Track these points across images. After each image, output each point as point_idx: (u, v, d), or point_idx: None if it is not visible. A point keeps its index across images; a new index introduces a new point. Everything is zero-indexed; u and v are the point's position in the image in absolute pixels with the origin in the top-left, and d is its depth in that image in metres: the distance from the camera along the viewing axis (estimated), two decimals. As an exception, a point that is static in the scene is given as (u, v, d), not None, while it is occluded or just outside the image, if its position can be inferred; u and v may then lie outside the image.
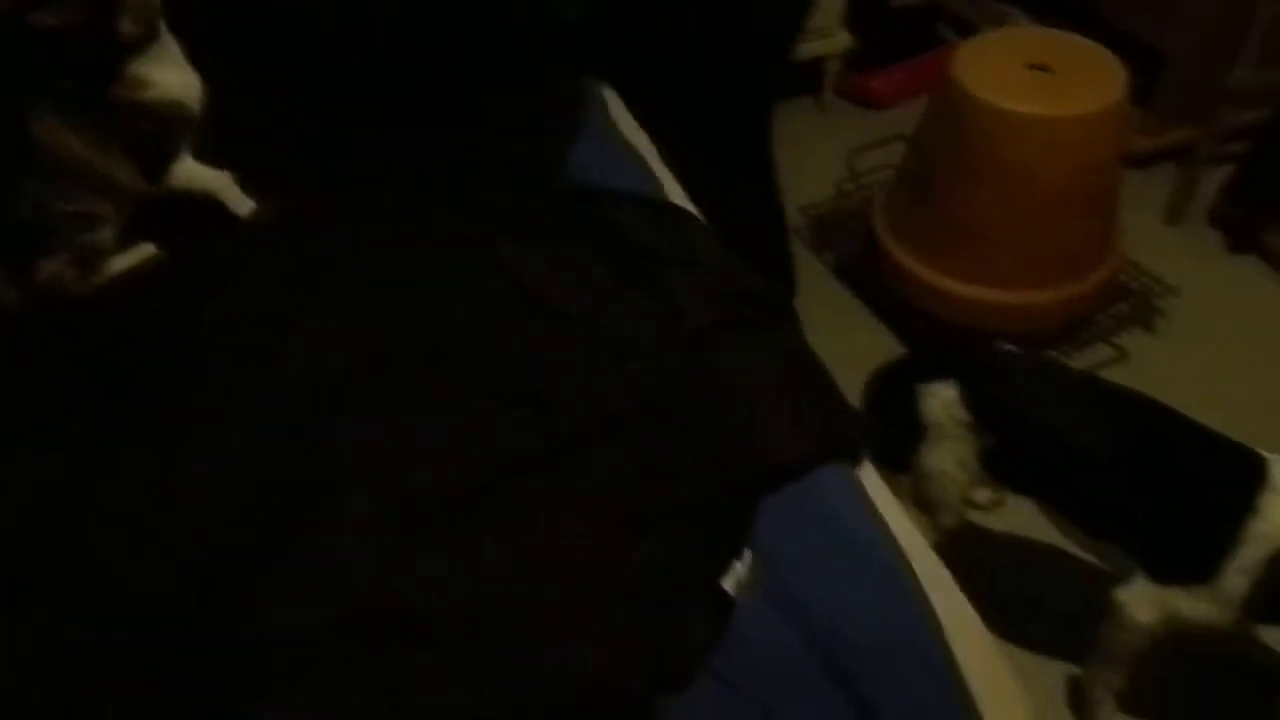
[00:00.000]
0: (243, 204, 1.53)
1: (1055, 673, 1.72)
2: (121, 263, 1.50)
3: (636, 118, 1.70)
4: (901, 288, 2.22)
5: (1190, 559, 1.44)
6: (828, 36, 2.76)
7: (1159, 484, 1.46)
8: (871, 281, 2.32)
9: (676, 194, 1.58)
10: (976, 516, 1.95)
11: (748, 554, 1.09)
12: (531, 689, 0.98)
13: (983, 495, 1.94)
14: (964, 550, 1.87)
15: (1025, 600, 1.81)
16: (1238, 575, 1.39)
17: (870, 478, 1.23)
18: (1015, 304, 2.10)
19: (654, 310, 1.32)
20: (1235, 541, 1.39)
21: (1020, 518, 1.90)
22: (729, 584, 1.08)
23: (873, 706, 0.99)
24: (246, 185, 1.55)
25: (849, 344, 1.70)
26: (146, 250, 1.52)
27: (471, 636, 1.02)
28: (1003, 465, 1.56)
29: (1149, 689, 1.64)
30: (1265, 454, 1.43)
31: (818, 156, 2.67)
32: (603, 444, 1.18)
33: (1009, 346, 1.60)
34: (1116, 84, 1.97)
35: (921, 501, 1.61)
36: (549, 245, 1.41)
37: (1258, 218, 2.41)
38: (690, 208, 1.53)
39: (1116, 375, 2.07)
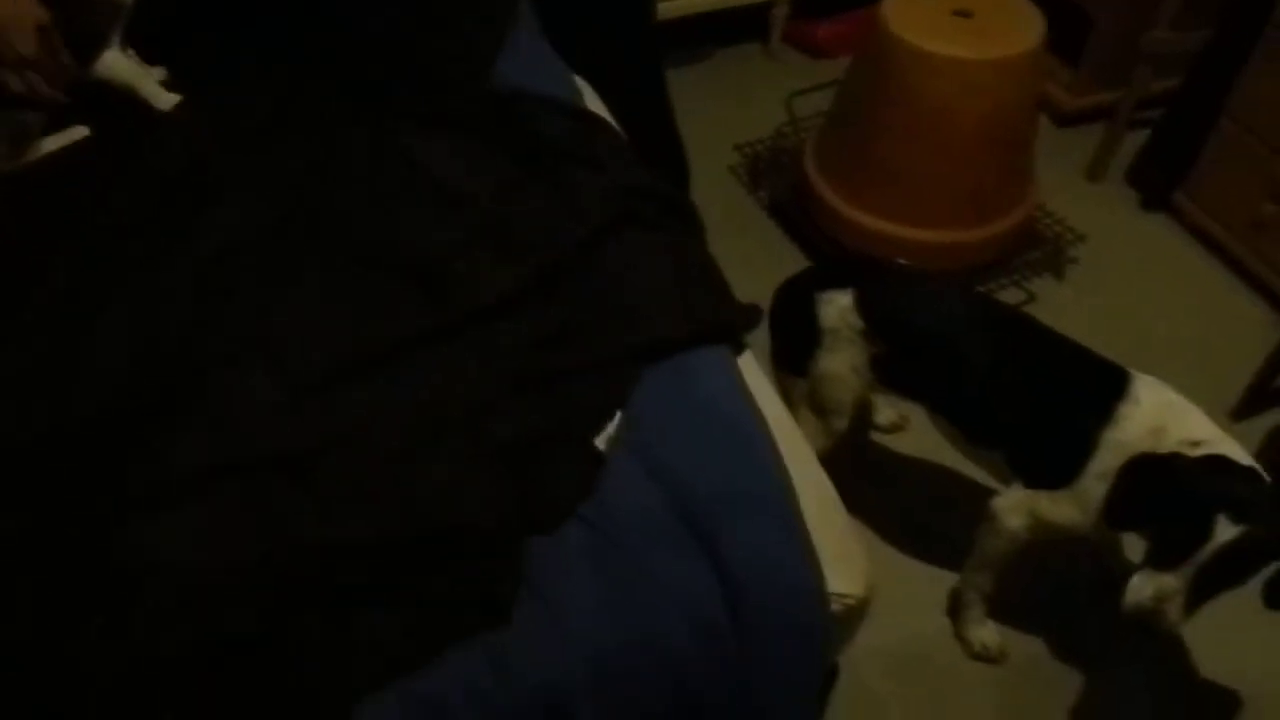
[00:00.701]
0: (161, 99, 1.58)
1: (941, 583, 1.82)
2: (53, 143, 1.55)
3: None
4: (827, 224, 2.30)
5: (1056, 464, 1.54)
6: (775, -17, 2.82)
7: (1031, 392, 1.56)
8: (801, 219, 2.41)
9: (595, 105, 1.65)
10: (880, 438, 2.06)
11: (618, 415, 1.17)
12: (406, 525, 1.06)
13: (886, 417, 2.05)
14: (868, 469, 1.99)
15: (922, 516, 1.91)
16: (1095, 480, 1.49)
17: (747, 363, 1.31)
18: (933, 242, 2.18)
19: (557, 203, 1.39)
20: (1094, 448, 1.49)
21: (924, 440, 2.00)
22: (601, 442, 1.16)
23: (723, 555, 1.08)
24: (174, 81, 1.61)
25: (777, 278, 1.77)
26: (79, 132, 1.57)
27: (349, 481, 1.10)
28: (892, 371, 1.65)
29: (1017, 598, 1.76)
30: (1130, 370, 1.54)
31: (762, 100, 2.75)
32: (494, 319, 1.26)
33: (903, 261, 1.69)
34: (1034, 31, 2.05)
35: (816, 405, 1.70)
36: (459, 139, 1.48)
37: (1170, 179, 2.51)
38: (606, 117, 1.61)
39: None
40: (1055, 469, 1.54)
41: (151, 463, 1.10)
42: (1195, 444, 1.42)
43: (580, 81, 1.72)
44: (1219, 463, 1.40)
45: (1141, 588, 1.37)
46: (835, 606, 1.11)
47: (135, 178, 1.47)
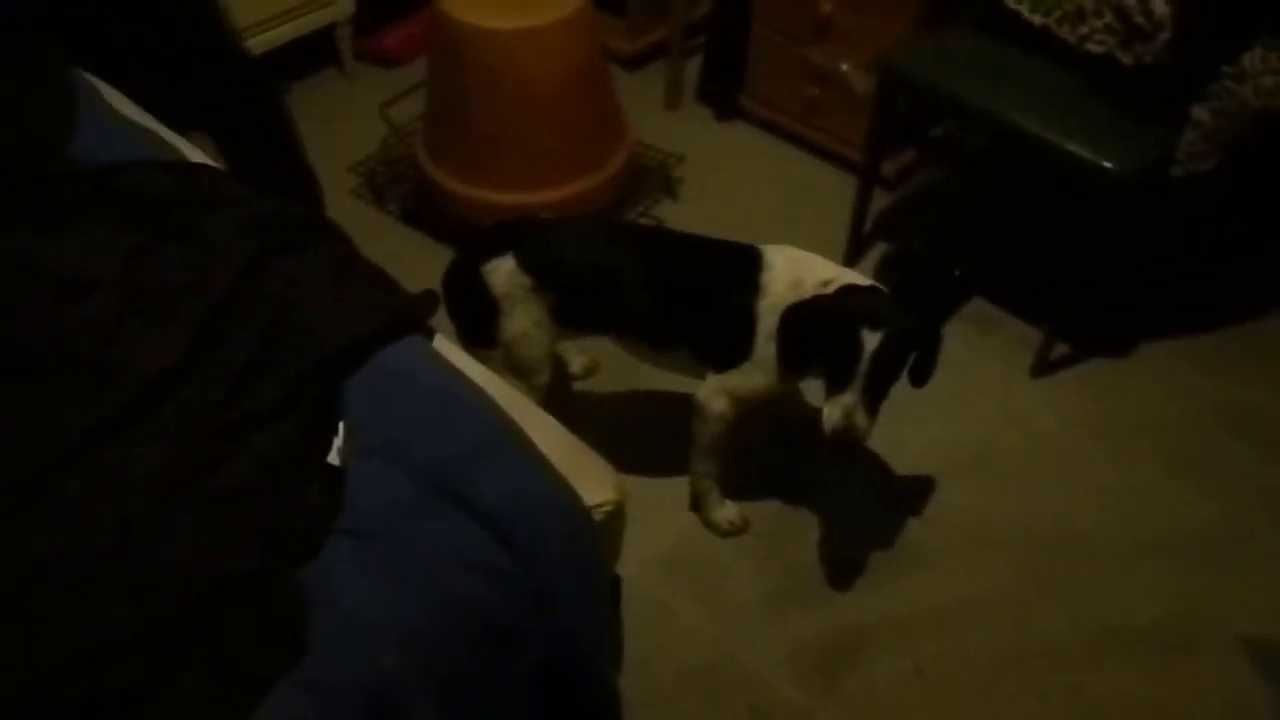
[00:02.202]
0: None
1: (680, 487, 1.99)
2: None
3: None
4: (460, 213, 2.38)
5: (731, 343, 1.74)
6: (329, 5, 2.82)
7: (690, 290, 1.75)
8: (435, 216, 2.46)
9: (195, 155, 1.60)
10: (580, 386, 2.19)
11: (341, 426, 1.18)
12: (166, 603, 1.01)
13: (579, 364, 2.17)
14: (578, 413, 2.11)
15: (641, 438, 2.06)
16: (766, 343, 1.71)
17: (441, 343, 1.37)
18: (552, 201, 2.31)
19: (195, 253, 1.35)
20: (755, 317, 1.70)
21: (618, 375, 2.16)
22: (334, 457, 1.16)
23: (480, 505, 1.14)
24: None
25: (437, 275, 1.81)
26: None
27: (80, 587, 1.02)
28: (570, 315, 1.77)
29: (741, 476, 1.96)
30: (757, 245, 1.76)
31: (358, 120, 2.75)
32: (177, 382, 1.21)
33: (546, 215, 1.81)
34: (578, -6, 2.25)
35: (515, 369, 1.78)
36: (66, 226, 1.38)
37: (731, 89, 2.85)
38: (210, 163, 1.57)
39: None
40: (733, 347, 1.74)
41: None
42: (826, 283, 1.68)
43: (172, 136, 1.66)
44: (849, 290, 1.66)
45: (832, 413, 1.60)
46: (596, 516, 1.20)
47: None
